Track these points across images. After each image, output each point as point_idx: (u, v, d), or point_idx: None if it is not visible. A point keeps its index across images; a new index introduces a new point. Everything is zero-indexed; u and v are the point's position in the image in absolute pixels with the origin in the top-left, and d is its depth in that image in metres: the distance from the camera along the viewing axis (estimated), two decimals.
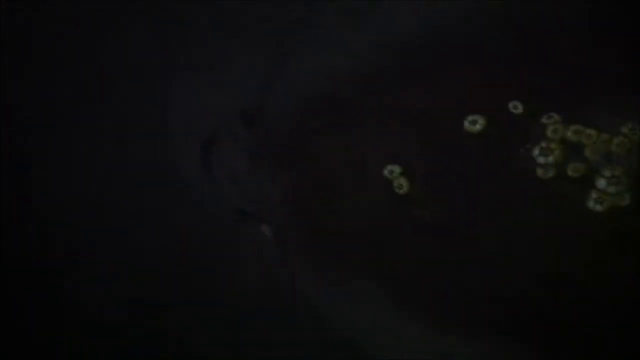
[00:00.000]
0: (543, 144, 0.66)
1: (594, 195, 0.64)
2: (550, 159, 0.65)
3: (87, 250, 0.68)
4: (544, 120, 0.66)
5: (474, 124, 0.66)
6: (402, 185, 0.66)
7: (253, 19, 0.69)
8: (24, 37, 0.69)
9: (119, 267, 0.68)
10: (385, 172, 0.66)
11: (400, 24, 0.67)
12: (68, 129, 0.69)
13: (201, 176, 0.68)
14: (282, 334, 0.66)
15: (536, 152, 0.66)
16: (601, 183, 0.64)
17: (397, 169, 0.66)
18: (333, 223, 0.67)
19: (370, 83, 0.67)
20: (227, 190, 0.68)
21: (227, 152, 0.68)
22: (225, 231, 0.68)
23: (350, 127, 0.67)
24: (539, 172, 0.65)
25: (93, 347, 0.67)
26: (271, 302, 0.66)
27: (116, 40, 0.69)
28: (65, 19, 0.69)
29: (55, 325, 0.67)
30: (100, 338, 0.67)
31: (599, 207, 0.64)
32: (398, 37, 0.67)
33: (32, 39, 0.69)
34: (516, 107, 0.66)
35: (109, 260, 0.68)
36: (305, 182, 0.68)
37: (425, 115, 0.67)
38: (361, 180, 0.67)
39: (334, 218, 0.67)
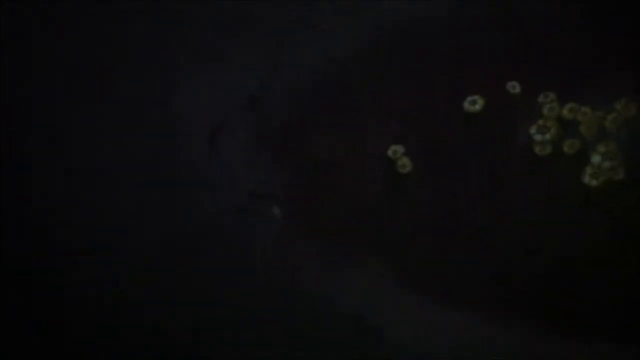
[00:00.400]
0: (540, 122, 0.67)
1: (589, 170, 0.66)
2: (547, 136, 0.67)
3: (87, 250, 0.68)
4: (540, 99, 0.67)
5: (474, 104, 0.67)
6: (405, 165, 0.67)
7: (253, 18, 0.69)
8: (26, 37, 0.69)
9: (120, 267, 0.68)
10: (390, 153, 0.67)
11: (399, 22, 0.68)
12: (70, 128, 0.69)
13: (209, 168, 0.68)
14: (284, 330, 0.66)
15: (533, 130, 0.67)
16: (596, 159, 0.66)
17: (400, 148, 0.67)
18: (336, 207, 0.67)
19: (369, 75, 0.68)
20: (234, 181, 0.68)
21: (231, 146, 0.68)
22: (227, 229, 0.68)
23: (351, 114, 0.68)
24: (537, 149, 0.67)
25: (93, 347, 0.67)
26: (274, 300, 0.67)
27: (117, 40, 0.69)
28: (66, 19, 0.69)
29: (55, 326, 0.67)
30: (99, 338, 0.67)
31: (594, 182, 0.66)
32: (398, 31, 0.68)
33: (32, 39, 0.70)
34: (514, 87, 0.67)
35: (109, 260, 0.68)
36: (308, 169, 0.68)
37: (426, 97, 0.67)
38: (363, 172, 0.67)
39: (337, 202, 0.67)
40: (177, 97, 0.69)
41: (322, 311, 0.66)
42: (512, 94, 0.67)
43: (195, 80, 0.69)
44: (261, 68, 0.68)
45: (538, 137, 0.66)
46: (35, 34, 0.69)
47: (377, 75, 0.67)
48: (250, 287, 0.67)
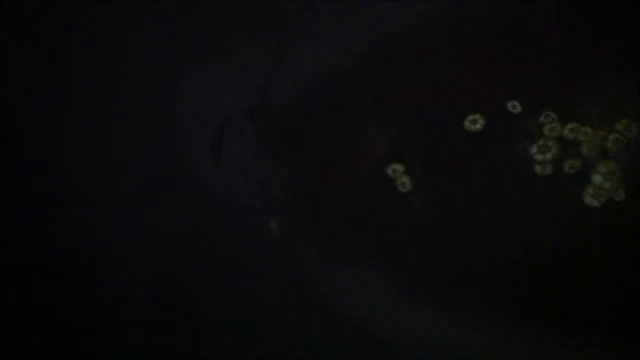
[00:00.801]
0: (541, 142, 0.66)
1: (590, 190, 0.65)
2: (548, 156, 0.66)
3: (87, 250, 0.68)
4: (541, 119, 0.66)
5: (475, 123, 0.67)
6: (405, 184, 0.67)
7: (254, 18, 0.69)
8: (26, 37, 0.69)
9: (120, 267, 0.68)
10: (389, 171, 0.67)
11: (399, 22, 0.68)
12: (70, 128, 0.69)
13: (211, 170, 0.69)
14: (284, 330, 0.66)
15: (534, 149, 0.66)
16: (597, 179, 0.65)
17: (400, 167, 0.67)
18: (336, 207, 0.67)
19: (370, 77, 0.68)
20: (236, 184, 0.68)
21: (231, 146, 0.69)
22: (227, 229, 0.68)
23: (352, 118, 0.68)
24: (537, 169, 0.66)
25: (93, 346, 0.67)
26: (273, 299, 0.67)
27: (118, 40, 0.69)
28: (66, 19, 0.69)
29: (55, 326, 0.67)
30: (100, 338, 0.67)
31: (595, 203, 0.65)
32: (399, 33, 0.68)
33: (32, 39, 0.69)
34: (514, 107, 0.67)
35: (109, 260, 0.68)
36: (308, 169, 0.68)
37: (426, 114, 0.67)
38: (363, 172, 0.67)
39: (339, 208, 0.67)
40: (177, 97, 0.69)
41: (321, 311, 0.66)
42: (512, 113, 0.67)
43: (195, 80, 0.69)
44: (261, 68, 0.68)
45: (539, 157, 0.66)
46: (35, 34, 0.69)
47: (377, 75, 0.67)
48: (250, 287, 0.67)
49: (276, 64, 0.68)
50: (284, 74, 0.68)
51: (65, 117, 0.69)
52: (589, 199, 0.65)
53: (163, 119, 0.69)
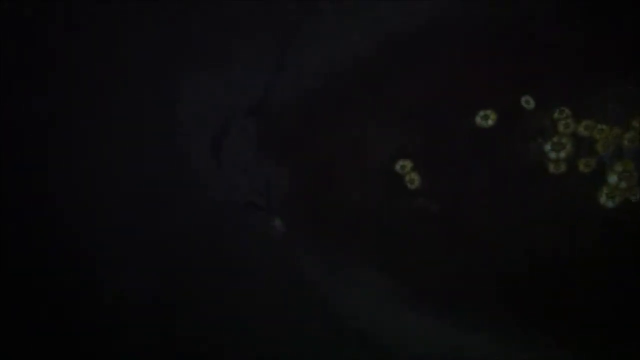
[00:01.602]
0: (555, 139, 0.65)
1: (605, 190, 0.64)
2: (562, 154, 0.65)
3: (87, 250, 0.68)
4: (555, 115, 0.65)
5: (486, 119, 0.65)
6: (413, 180, 0.66)
7: (254, 19, 0.69)
8: (26, 37, 0.69)
9: (120, 267, 0.68)
10: (397, 167, 0.66)
11: (399, 22, 0.68)
12: (69, 128, 0.69)
13: (211, 170, 0.69)
14: (284, 330, 0.66)
15: (548, 147, 0.65)
16: (613, 178, 0.64)
17: (408, 163, 0.66)
18: (338, 209, 0.67)
19: (372, 77, 0.68)
20: (236, 184, 0.68)
21: (232, 147, 0.69)
22: (227, 229, 0.68)
23: (353, 119, 0.68)
24: (551, 167, 0.65)
25: (94, 346, 0.67)
26: (274, 300, 0.67)
27: (118, 40, 0.69)
28: (66, 19, 0.69)
29: (55, 325, 0.67)
30: (100, 338, 0.67)
31: (610, 203, 0.64)
32: (400, 33, 0.68)
33: (32, 39, 0.70)
34: (528, 102, 0.65)
35: (109, 260, 0.68)
36: (309, 170, 0.68)
37: (426, 114, 0.67)
38: (365, 172, 0.67)
39: (340, 209, 0.67)
40: (178, 98, 0.69)
41: (321, 311, 0.66)
42: (526, 109, 0.65)
43: (195, 80, 0.69)
44: (261, 68, 0.68)
45: (553, 155, 0.65)
46: (35, 34, 0.69)
47: (377, 75, 0.67)
48: (250, 287, 0.67)
49: (276, 64, 0.68)
50: (284, 74, 0.68)
51: (65, 117, 0.69)
52: (604, 199, 0.64)
53: (163, 119, 0.69)
